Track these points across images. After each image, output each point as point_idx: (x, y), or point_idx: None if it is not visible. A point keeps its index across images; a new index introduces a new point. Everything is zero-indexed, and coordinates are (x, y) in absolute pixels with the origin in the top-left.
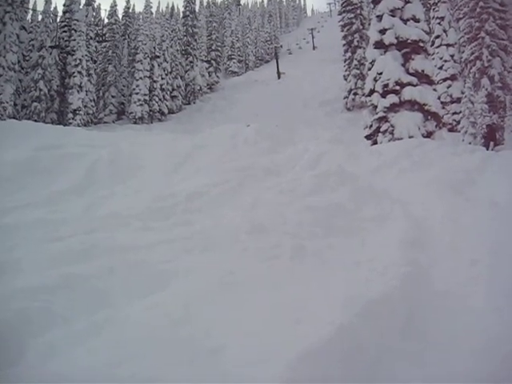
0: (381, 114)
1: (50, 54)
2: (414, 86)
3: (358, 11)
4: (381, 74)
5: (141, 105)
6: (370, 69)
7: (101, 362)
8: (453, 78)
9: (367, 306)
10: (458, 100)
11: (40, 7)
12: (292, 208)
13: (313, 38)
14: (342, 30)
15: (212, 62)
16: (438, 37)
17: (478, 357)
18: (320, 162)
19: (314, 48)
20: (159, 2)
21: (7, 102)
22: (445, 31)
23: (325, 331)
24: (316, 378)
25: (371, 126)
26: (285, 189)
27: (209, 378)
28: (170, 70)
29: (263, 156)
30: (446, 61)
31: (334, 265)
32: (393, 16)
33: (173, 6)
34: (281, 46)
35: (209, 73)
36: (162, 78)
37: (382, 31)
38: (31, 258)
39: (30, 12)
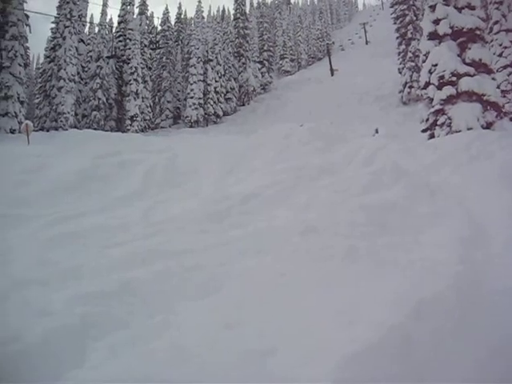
0: (437, 107)
1: (107, 63)
2: (472, 76)
3: (411, 2)
4: (436, 65)
5: (196, 108)
6: (424, 61)
7: (159, 365)
8: None
9: (419, 306)
10: None
11: (96, 20)
12: (345, 207)
13: (365, 32)
14: (395, 23)
15: (264, 62)
16: (496, 22)
17: None
18: (375, 158)
19: (366, 43)
20: (210, 6)
21: (68, 113)
22: (504, 16)
23: (376, 332)
24: (365, 379)
25: (427, 119)
26: (339, 188)
27: (259, 379)
28: (223, 72)
29: (317, 155)
30: (505, 47)
31: (387, 264)
32: (447, 5)
33: (224, 9)
34: (333, 43)
35: (262, 73)
36: (216, 81)
37: (436, 21)
38: (92, 264)
39: (88, 25)
